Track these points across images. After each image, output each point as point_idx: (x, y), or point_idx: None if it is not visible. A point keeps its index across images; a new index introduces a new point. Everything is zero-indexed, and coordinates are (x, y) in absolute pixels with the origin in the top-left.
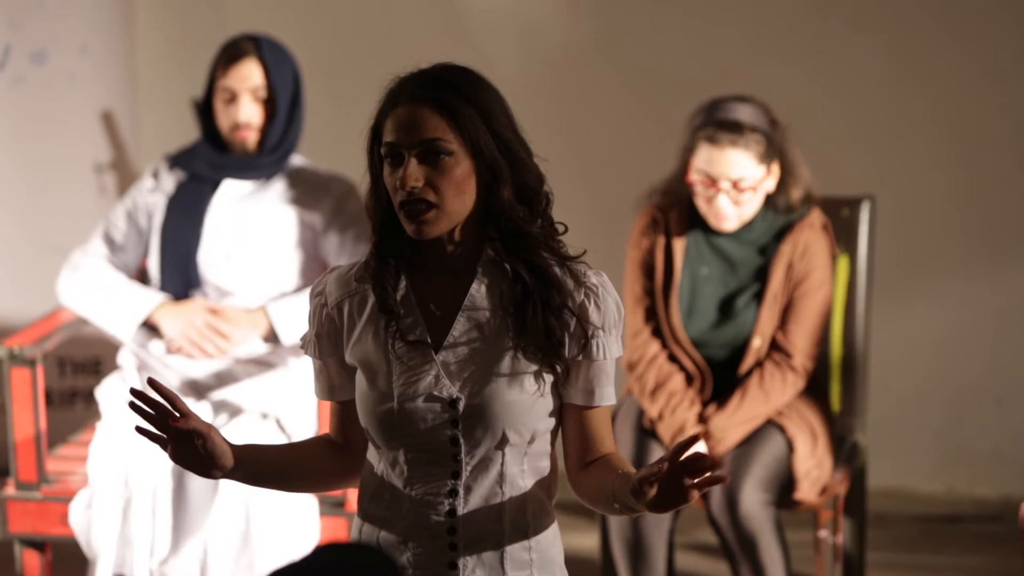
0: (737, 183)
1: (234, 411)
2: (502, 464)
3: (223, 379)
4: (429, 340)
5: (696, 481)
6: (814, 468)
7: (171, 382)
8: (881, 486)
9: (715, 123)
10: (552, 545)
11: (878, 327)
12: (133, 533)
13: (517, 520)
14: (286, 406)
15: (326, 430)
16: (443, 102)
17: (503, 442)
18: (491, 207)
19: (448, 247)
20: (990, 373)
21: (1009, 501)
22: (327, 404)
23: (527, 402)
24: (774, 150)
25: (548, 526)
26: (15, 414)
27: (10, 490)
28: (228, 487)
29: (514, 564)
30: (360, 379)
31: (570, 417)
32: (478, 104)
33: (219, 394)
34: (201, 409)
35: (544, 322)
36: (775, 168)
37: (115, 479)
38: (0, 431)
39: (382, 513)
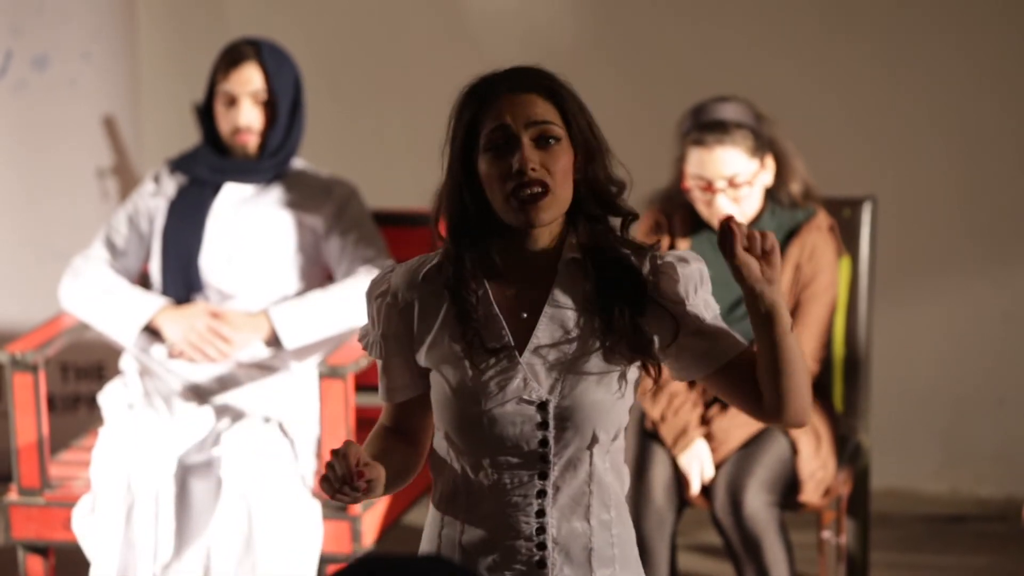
0: (732, 180)
1: (236, 415)
2: (590, 463)
3: (225, 383)
4: (512, 343)
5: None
6: (818, 469)
7: (173, 387)
8: (885, 487)
9: (700, 126)
10: (630, 540)
11: (881, 328)
12: (136, 538)
13: (602, 516)
14: (288, 410)
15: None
16: (551, 90)
17: (592, 442)
18: (581, 198)
19: (531, 248)
20: (994, 373)
21: (1013, 501)
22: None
23: (614, 400)
24: (764, 143)
25: (627, 521)
26: (17, 420)
27: (13, 496)
28: (230, 492)
29: (600, 560)
30: (440, 384)
31: (713, 384)
32: (574, 95)
33: (221, 398)
34: (203, 414)
35: (632, 321)
36: (769, 161)
37: (118, 484)
38: (2, 437)
39: (462, 515)
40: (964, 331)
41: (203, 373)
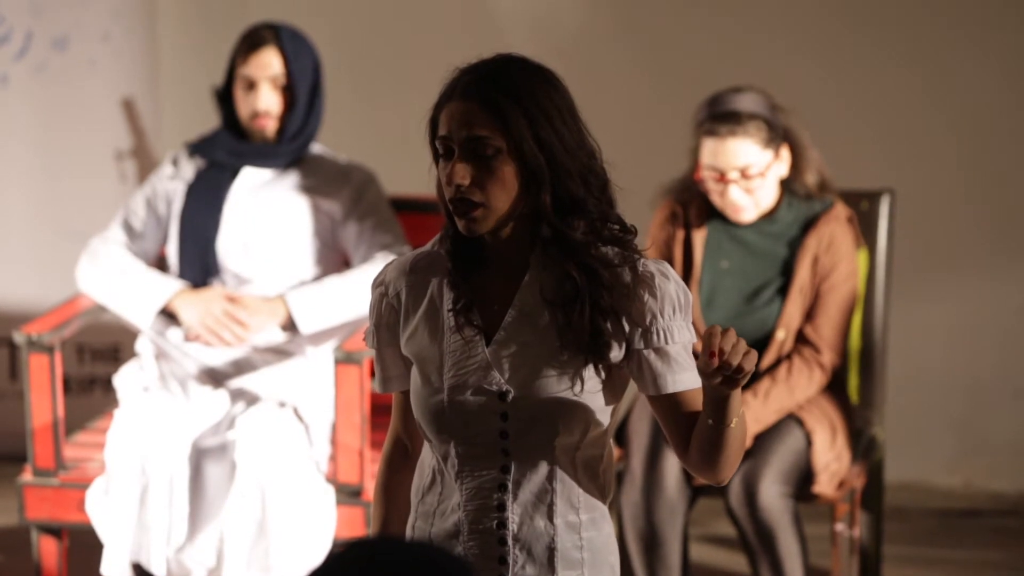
0: (744, 171)
1: (251, 399)
2: (552, 459)
3: (241, 367)
4: (482, 333)
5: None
6: (833, 461)
7: (189, 370)
8: (899, 480)
9: (713, 116)
10: (605, 546)
11: (896, 320)
12: (150, 520)
13: (569, 517)
14: (304, 395)
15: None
16: (492, 101)
17: (552, 436)
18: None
19: (502, 243)
20: (1008, 367)
21: None
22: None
23: (577, 398)
24: (778, 134)
25: (602, 526)
26: (33, 400)
27: (27, 476)
28: (244, 476)
29: (565, 562)
30: (414, 373)
31: (655, 408)
32: (528, 104)
33: (237, 382)
34: (219, 397)
35: (591, 323)
36: (784, 152)
37: (132, 466)
38: (18, 418)
39: (435, 507)
40: (979, 324)
41: (219, 357)
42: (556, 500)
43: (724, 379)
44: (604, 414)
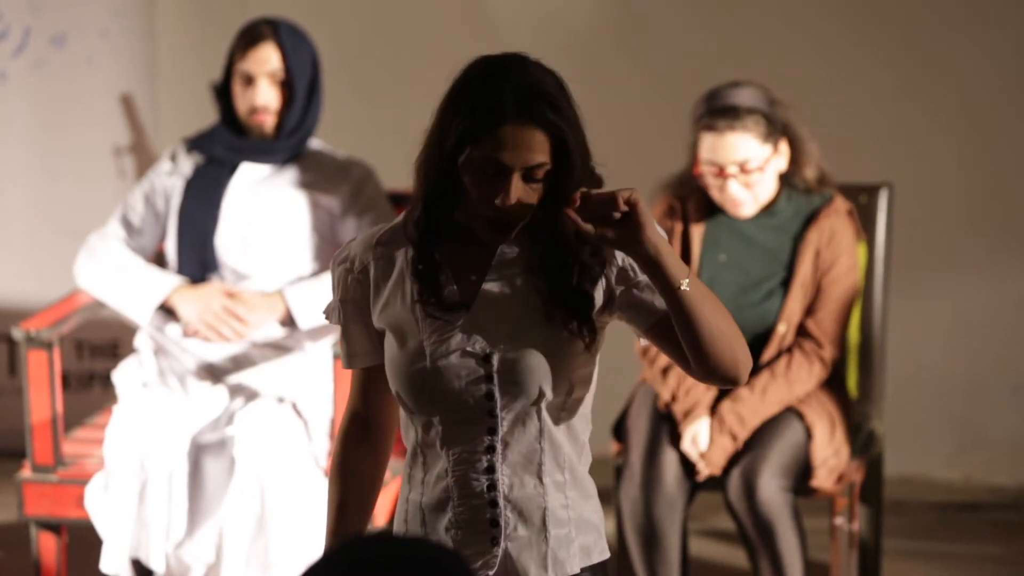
0: (743, 166)
1: (250, 395)
2: (540, 420)
3: (240, 363)
4: (459, 300)
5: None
6: (832, 456)
7: (188, 366)
8: (898, 474)
9: (712, 111)
10: (589, 508)
11: (895, 315)
12: (149, 516)
13: (556, 477)
14: (302, 390)
15: (342, 415)
16: (550, 125)
17: (540, 396)
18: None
19: None
20: (1008, 361)
21: None
22: (343, 390)
23: (562, 356)
24: (776, 128)
25: (582, 486)
26: (32, 397)
27: (26, 472)
28: (244, 471)
29: (555, 521)
30: (390, 343)
31: (657, 341)
32: (572, 126)
33: (235, 378)
34: (217, 393)
35: (578, 287)
36: (783, 146)
37: (131, 462)
38: (17, 414)
39: (422, 476)
40: (978, 319)
41: (217, 352)
42: (545, 460)
43: (616, 223)
44: (587, 375)
